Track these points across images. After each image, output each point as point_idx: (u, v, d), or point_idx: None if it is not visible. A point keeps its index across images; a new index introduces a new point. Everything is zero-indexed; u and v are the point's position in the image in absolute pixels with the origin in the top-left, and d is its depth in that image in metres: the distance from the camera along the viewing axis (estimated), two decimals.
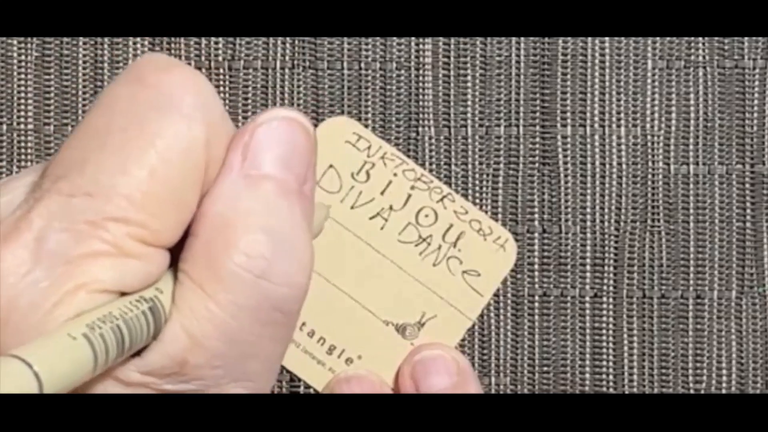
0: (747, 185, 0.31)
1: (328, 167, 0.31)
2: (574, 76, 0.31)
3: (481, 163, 0.31)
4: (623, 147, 0.31)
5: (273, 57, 0.31)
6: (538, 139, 0.31)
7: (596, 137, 0.31)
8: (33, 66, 0.31)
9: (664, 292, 0.31)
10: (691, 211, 0.31)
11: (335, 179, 0.31)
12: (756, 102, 0.31)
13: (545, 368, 0.31)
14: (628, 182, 0.31)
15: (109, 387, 0.18)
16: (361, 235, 0.30)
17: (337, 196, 0.30)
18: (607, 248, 0.31)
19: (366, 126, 0.31)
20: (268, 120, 0.20)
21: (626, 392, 0.31)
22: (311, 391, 0.31)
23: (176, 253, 0.20)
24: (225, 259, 0.19)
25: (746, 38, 0.31)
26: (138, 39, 0.31)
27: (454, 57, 0.31)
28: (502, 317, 0.31)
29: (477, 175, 0.31)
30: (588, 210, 0.31)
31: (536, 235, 0.31)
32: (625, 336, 0.31)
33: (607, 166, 0.31)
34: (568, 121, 0.31)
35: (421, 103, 0.31)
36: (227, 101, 0.31)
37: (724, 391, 0.31)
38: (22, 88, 0.31)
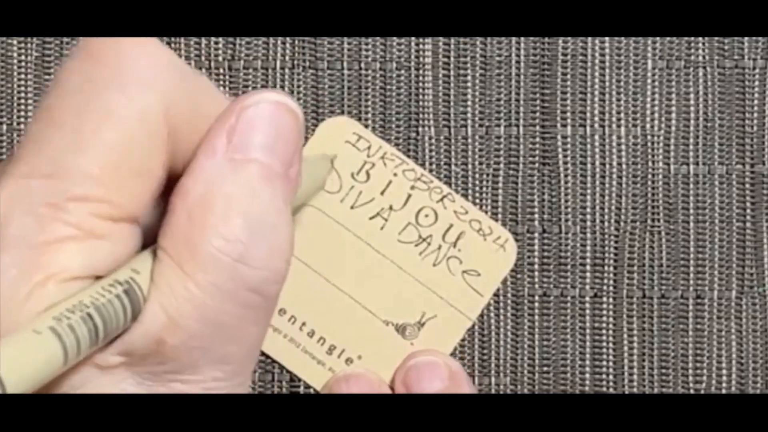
0: (747, 185, 0.31)
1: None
2: (574, 76, 0.31)
3: (481, 163, 0.31)
4: (623, 147, 0.31)
5: (273, 57, 0.31)
6: (538, 139, 0.31)
7: (596, 137, 0.31)
8: (33, 66, 0.31)
9: (664, 292, 0.31)
10: (691, 211, 0.31)
11: (335, 179, 0.31)
12: (756, 102, 0.31)
13: (545, 368, 0.31)
14: (628, 182, 0.31)
15: (87, 373, 0.18)
16: (361, 235, 0.30)
17: (337, 196, 0.30)
18: (607, 248, 0.31)
19: (366, 126, 0.31)
20: (255, 103, 0.20)
21: (626, 392, 0.31)
22: (311, 391, 0.31)
23: (153, 230, 0.20)
24: (203, 241, 0.18)
25: (746, 38, 0.31)
26: None
27: (454, 57, 0.31)
28: (502, 317, 0.31)
29: (477, 175, 0.31)
30: (588, 210, 0.31)
31: (536, 235, 0.31)
32: (625, 336, 0.31)
33: (607, 166, 0.31)
34: (568, 121, 0.31)
35: (421, 103, 0.31)
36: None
37: (724, 391, 0.31)
38: (22, 88, 0.31)
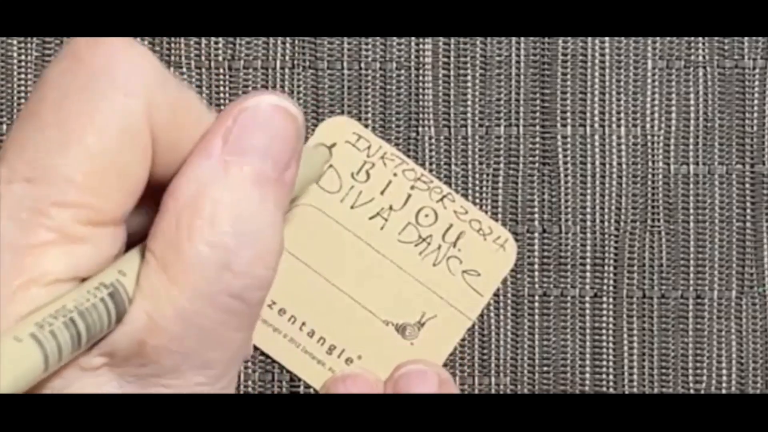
0: (747, 185, 0.31)
1: (328, 167, 0.31)
2: (574, 76, 0.31)
3: (481, 163, 0.31)
4: (623, 147, 0.31)
5: (273, 57, 0.31)
6: (538, 139, 0.31)
7: (596, 137, 0.31)
8: (33, 66, 0.31)
9: (664, 292, 0.31)
10: (691, 211, 0.31)
11: (335, 179, 0.31)
12: (756, 102, 0.31)
13: (545, 368, 0.31)
14: (628, 182, 0.31)
15: (70, 374, 0.18)
16: (361, 235, 0.30)
17: (337, 195, 0.30)
18: (607, 248, 0.31)
19: (366, 126, 0.31)
20: (252, 105, 0.20)
21: (626, 392, 0.31)
22: (311, 391, 0.31)
23: (144, 229, 0.20)
24: (188, 244, 0.18)
25: (746, 38, 0.31)
26: (138, 39, 0.31)
27: (454, 57, 0.31)
28: (502, 317, 0.31)
29: (477, 175, 0.31)
30: (588, 210, 0.31)
31: (536, 235, 0.31)
32: (625, 336, 0.31)
33: (607, 166, 0.31)
34: (568, 121, 0.31)
35: (421, 103, 0.31)
36: (227, 101, 0.31)
37: (724, 391, 0.31)
38: (22, 88, 0.31)
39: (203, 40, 0.31)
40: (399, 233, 0.31)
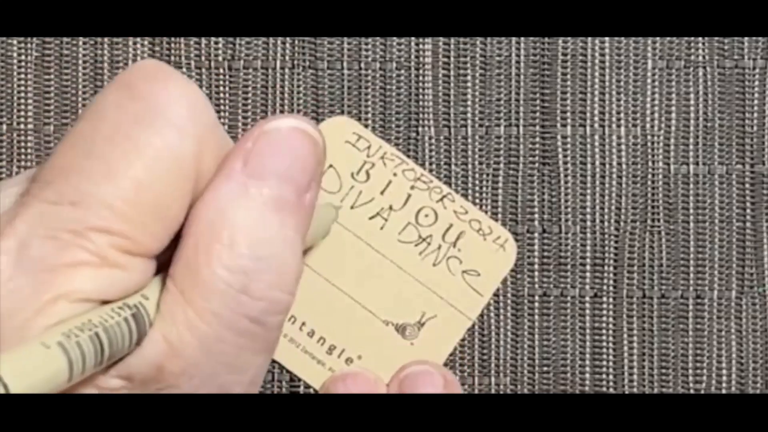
0: (747, 185, 0.31)
1: (328, 167, 0.31)
2: (574, 76, 0.31)
3: (481, 163, 0.31)
4: (623, 147, 0.31)
5: (273, 57, 0.31)
6: (538, 139, 0.31)
7: (596, 137, 0.31)
8: (33, 66, 0.31)
9: (664, 292, 0.31)
10: (691, 211, 0.31)
11: (335, 179, 0.31)
12: (756, 102, 0.31)
13: (545, 368, 0.31)
14: (628, 182, 0.31)
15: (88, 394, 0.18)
16: (361, 235, 0.30)
17: (337, 196, 0.30)
18: (607, 248, 0.31)
19: (366, 126, 0.31)
20: (273, 129, 0.20)
21: (626, 392, 0.31)
22: (311, 391, 0.31)
23: (168, 258, 0.20)
24: (206, 269, 0.18)
25: (746, 38, 0.31)
26: (138, 39, 0.31)
27: (454, 57, 0.31)
28: (502, 317, 0.31)
29: (477, 175, 0.31)
30: (588, 210, 0.31)
31: (536, 235, 0.31)
32: (625, 336, 0.31)
33: (607, 166, 0.31)
34: (568, 121, 0.31)
35: (421, 103, 0.31)
36: (227, 101, 0.31)
37: (724, 391, 0.31)
38: (22, 88, 0.31)
39: (203, 40, 0.31)
40: (399, 233, 0.31)
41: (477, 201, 0.31)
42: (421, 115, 0.31)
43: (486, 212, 0.31)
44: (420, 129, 0.31)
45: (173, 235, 0.19)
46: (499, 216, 0.31)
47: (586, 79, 0.31)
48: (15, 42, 0.31)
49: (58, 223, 0.18)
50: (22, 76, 0.31)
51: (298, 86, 0.31)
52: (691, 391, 0.31)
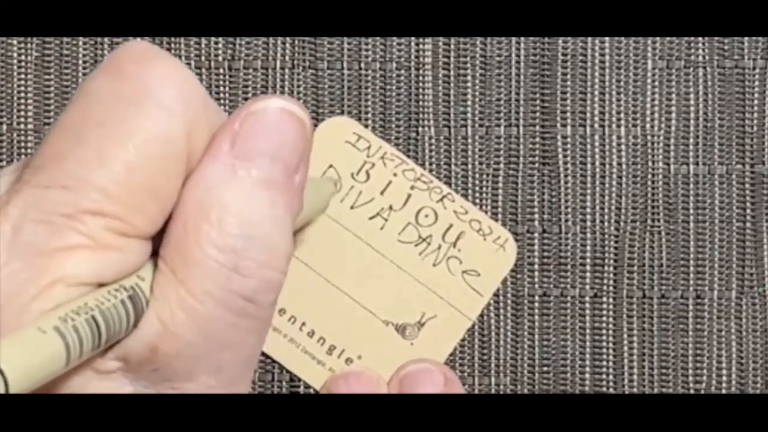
0: (747, 185, 0.31)
1: (328, 167, 0.31)
2: (574, 76, 0.31)
3: (481, 163, 0.31)
4: (623, 147, 0.31)
5: (273, 57, 0.31)
6: (538, 139, 0.31)
7: (596, 137, 0.31)
8: (33, 66, 0.31)
9: (664, 292, 0.31)
10: (691, 211, 0.31)
11: (335, 179, 0.31)
12: (756, 102, 0.31)
13: (545, 368, 0.31)
14: (628, 182, 0.31)
15: (86, 377, 0.18)
16: (361, 235, 0.30)
17: (337, 196, 0.30)
18: (607, 248, 0.31)
19: (366, 126, 0.31)
20: (259, 109, 0.20)
21: (626, 392, 0.31)
22: (311, 391, 0.31)
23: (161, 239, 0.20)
24: (196, 248, 0.19)
25: (746, 38, 0.31)
26: (138, 39, 0.31)
27: (454, 57, 0.31)
28: (502, 317, 0.31)
29: (477, 175, 0.31)
30: (588, 210, 0.31)
31: (536, 235, 0.31)
32: (625, 336, 0.31)
33: (607, 166, 0.31)
34: (568, 121, 0.31)
35: (421, 103, 0.31)
36: (227, 101, 0.31)
37: (724, 391, 0.31)
38: (22, 88, 0.31)
39: (203, 40, 0.31)
40: (399, 233, 0.31)
41: (477, 201, 0.31)
42: (421, 115, 0.31)
43: (486, 212, 0.31)
44: (420, 129, 0.31)
45: (168, 215, 0.19)
46: (499, 216, 0.31)
47: (586, 79, 0.31)
48: (15, 42, 0.31)
49: (50, 207, 0.18)
50: (22, 76, 0.31)
51: (298, 86, 0.31)
52: (691, 391, 0.31)
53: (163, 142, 0.18)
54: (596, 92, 0.31)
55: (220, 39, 0.31)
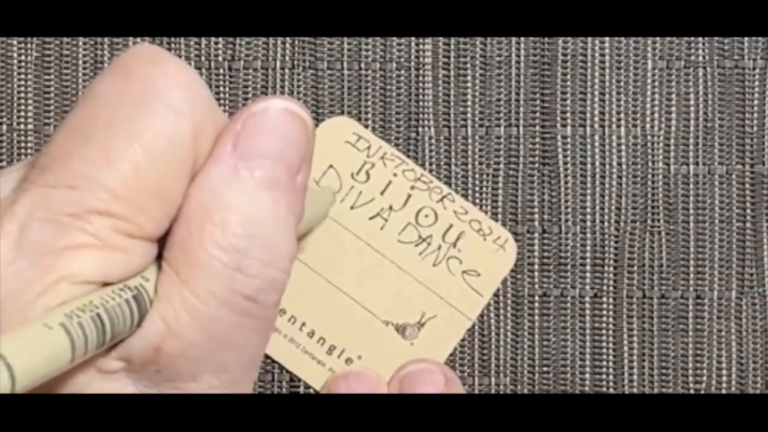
0: (747, 185, 0.31)
1: (328, 167, 0.31)
2: (574, 76, 0.31)
3: (481, 163, 0.31)
4: (623, 147, 0.31)
5: (273, 57, 0.31)
6: (538, 139, 0.31)
7: (596, 137, 0.31)
8: (33, 66, 0.31)
9: (664, 292, 0.31)
10: (691, 211, 0.31)
11: (335, 179, 0.31)
12: (756, 102, 0.31)
13: (545, 368, 0.31)
14: (628, 182, 0.31)
15: (89, 376, 0.18)
16: (361, 235, 0.30)
17: (337, 196, 0.30)
18: (607, 248, 0.31)
19: (366, 126, 0.31)
20: (262, 110, 0.20)
21: (626, 392, 0.31)
22: (311, 391, 0.31)
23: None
24: (200, 249, 0.19)
25: (746, 38, 0.31)
26: (138, 39, 0.31)
27: (454, 57, 0.31)
28: (502, 317, 0.31)
29: (477, 175, 0.31)
30: (588, 210, 0.31)
31: (536, 235, 0.31)
32: (625, 336, 0.31)
33: (607, 166, 0.31)
34: (568, 121, 0.31)
35: (421, 103, 0.31)
36: (227, 101, 0.31)
37: (724, 391, 0.31)
38: (22, 88, 0.31)
39: (203, 40, 0.31)
40: (399, 233, 0.31)
41: (477, 201, 0.31)
42: (421, 115, 0.31)
43: (486, 212, 0.31)
44: (420, 129, 0.31)
45: (173, 216, 0.19)
46: (499, 216, 0.31)
47: (586, 79, 0.31)
48: (15, 42, 0.31)
49: (57, 206, 0.18)
50: (22, 76, 0.31)
51: (298, 86, 0.31)
52: (691, 391, 0.31)
53: (171, 142, 0.19)
54: (596, 92, 0.31)
55: (220, 39, 0.31)
